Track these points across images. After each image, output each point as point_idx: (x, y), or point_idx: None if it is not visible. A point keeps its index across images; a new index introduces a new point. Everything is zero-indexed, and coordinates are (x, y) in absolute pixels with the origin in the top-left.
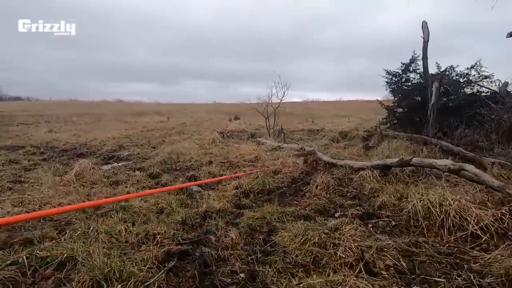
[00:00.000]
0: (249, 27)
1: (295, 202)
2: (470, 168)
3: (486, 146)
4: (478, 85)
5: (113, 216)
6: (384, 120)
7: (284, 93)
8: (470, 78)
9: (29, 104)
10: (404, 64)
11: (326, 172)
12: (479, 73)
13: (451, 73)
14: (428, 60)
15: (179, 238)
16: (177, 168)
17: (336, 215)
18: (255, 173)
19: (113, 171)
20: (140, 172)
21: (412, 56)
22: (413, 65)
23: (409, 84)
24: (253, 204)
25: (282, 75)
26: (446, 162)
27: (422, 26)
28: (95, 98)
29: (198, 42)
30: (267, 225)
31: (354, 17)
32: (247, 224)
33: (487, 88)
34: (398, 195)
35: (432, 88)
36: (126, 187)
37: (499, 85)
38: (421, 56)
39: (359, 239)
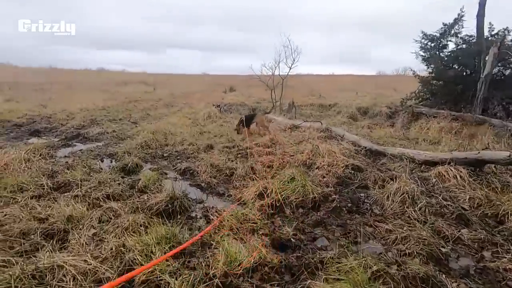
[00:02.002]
0: None
1: (368, 226)
2: None
3: None
4: None
5: None
6: (414, 94)
7: (294, 60)
8: None
9: None
10: (445, 25)
11: (374, 164)
12: None
13: (505, 38)
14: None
15: None
16: (165, 155)
17: (470, 268)
18: (281, 162)
19: (68, 161)
20: (111, 161)
21: (458, 15)
22: (456, 27)
23: (448, 51)
24: (301, 236)
25: (271, 47)
26: None
27: None
28: (77, 66)
29: (181, 9)
30: None
31: None
32: None
33: None
34: None
35: (487, 55)
36: (76, 196)
37: None
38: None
39: None
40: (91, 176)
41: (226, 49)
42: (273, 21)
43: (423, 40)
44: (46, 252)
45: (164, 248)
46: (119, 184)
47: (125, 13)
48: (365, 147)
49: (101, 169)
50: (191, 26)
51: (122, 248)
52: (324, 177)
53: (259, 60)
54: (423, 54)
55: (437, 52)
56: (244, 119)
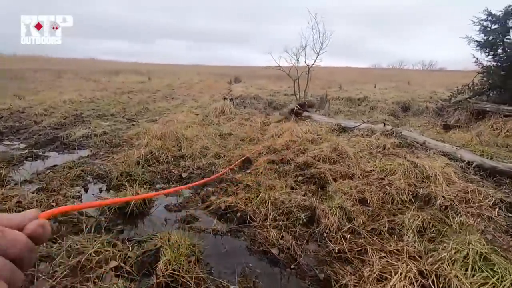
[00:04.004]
0: None
1: None
2: None
3: None
4: None
5: None
6: (467, 87)
7: (322, 45)
8: None
9: None
10: None
11: None
12: None
13: None
14: None
15: None
16: (183, 175)
17: None
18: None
19: (26, 197)
20: (100, 190)
21: None
22: None
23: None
24: None
25: (263, 36)
26: None
27: None
28: (65, 55)
29: None
30: None
31: None
32: None
33: None
34: None
35: None
36: None
37: None
38: None
39: None
40: (69, 239)
41: (220, 39)
42: (266, 11)
43: (482, 22)
44: None
45: None
46: (121, 273)
47: (112, 0)
48: (471, 163)
49: (86, 216)
50: (182, 15)
51: None
52: (482, 232)
53: (254, 51)
54: (481, 38)
55: (500, 35)
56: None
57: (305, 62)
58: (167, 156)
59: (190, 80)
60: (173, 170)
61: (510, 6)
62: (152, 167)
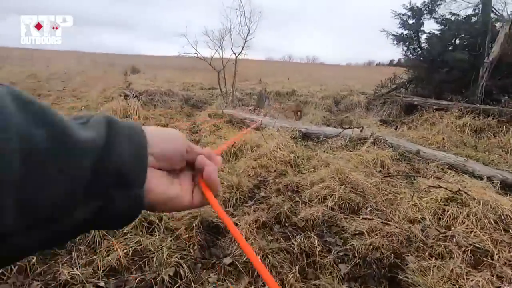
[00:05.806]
0: None
1: None
2: None
3: None
4: None
5: None
6: (391, 81)
7: (249, 29)
8: None
9: None
10: None
11: None
12: None
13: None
14: None
15: None
16: None
17: None
18: None
19: None
20: None
21: None
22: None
23: (431, 33)
24: None
25: (150, 23)
26: None
27: None
28: None
29: None
30: None
31: None
32: None
33: None
34: None
35: (496, 34)
36: None
37: None
38: None
39: None
40: None
41: (97, 22)
42: None
43: (402, 16)
44: None
45: None
46: None
47: None
48: (491, 178)
49: None
50: None
51: None
52: None
53: (141, 39)
54: (396, 33)
55: (417, 31)
56: None
57: (231, 49)
58: None
59: (67, 70)
60: None
61: (424, 1)
62: None
